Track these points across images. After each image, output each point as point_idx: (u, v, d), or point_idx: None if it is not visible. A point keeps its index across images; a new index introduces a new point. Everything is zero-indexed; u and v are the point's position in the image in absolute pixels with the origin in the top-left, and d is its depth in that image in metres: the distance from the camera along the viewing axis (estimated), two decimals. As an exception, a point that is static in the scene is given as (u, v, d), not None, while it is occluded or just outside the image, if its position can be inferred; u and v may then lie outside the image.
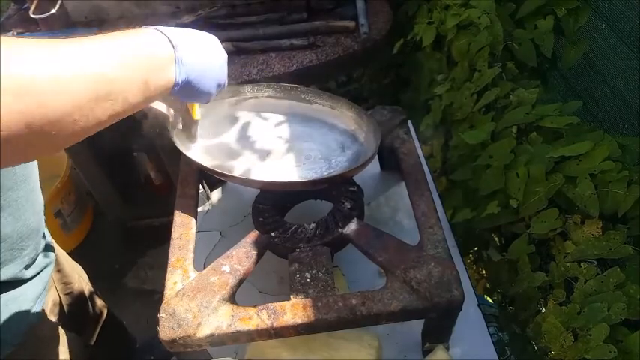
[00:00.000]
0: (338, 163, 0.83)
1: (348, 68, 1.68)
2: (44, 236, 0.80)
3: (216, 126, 0.89)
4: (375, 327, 0.65)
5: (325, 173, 0.81)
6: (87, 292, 1.04)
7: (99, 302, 1.11)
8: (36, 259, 0.74)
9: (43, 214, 0.78)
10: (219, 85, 0.65)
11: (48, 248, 0.81)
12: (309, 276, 0.66)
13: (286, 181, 0.80)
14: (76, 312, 0.97)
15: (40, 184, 0.75)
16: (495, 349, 0.73)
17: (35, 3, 1.31)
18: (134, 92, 0.47)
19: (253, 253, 0.69)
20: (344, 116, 0.89)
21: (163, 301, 0.64)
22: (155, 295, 1.77)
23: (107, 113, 0.44)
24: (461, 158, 1.03)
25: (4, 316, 0.68)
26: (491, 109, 0.97)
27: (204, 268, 0.68)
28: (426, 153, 1.29)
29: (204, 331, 0.60)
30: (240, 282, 0.67)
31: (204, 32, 0.63)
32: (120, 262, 1.89)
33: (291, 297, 0.63)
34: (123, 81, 0.45)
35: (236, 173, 0.79)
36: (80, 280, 1.02)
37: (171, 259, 0.70)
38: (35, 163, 0.70)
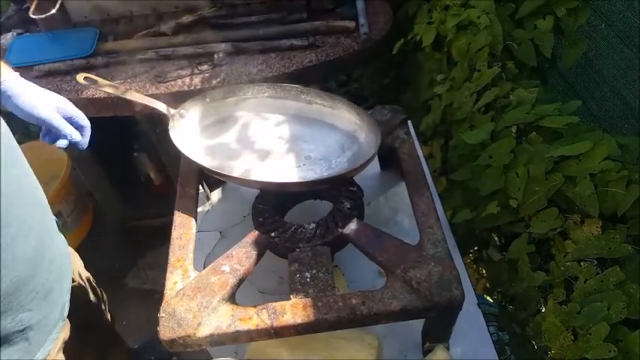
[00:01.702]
0: (338, 164, 0.83)
1: (348, 68, 1.68)
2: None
3: (217, 126, 0.89)
4: (375, 327, 0.65)
5: (325, 173, 0.81)
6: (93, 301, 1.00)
7: (99, 311, 1.08)
8: (45, 328, 0.67)
9: (46, 261, 0.68)
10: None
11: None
12: (309, 276, 0.66)
13: (286, 181, 0.80)
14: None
15: (40, 185, 0.74)
16: (495, 348, 0.73)
17: (35, 3, 1.31)
18: None
19: (253, 253, 0.69)
20: (344, 116, 0.89)
21: (163, 301, 0.64)
22: (155, 295, 1.77)
23: None
24: (461, 158, 1.03)
25: None
26: (491, 109, 0.96)
27: (204, 268, 0.68)
28: (426, 153, 1.29)
29: (204, 331, 0.61)
30: (240, 282, 0.67)
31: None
32: (120, 262, 1.89)
33: (291, 297, 0.63)
34: None
35: (236, 173, 0.79)
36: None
37: (171, 259, 0.70)
38: (28, 204, 0.65)
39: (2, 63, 0.71)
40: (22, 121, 0.73)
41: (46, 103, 0.74)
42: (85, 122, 0.80)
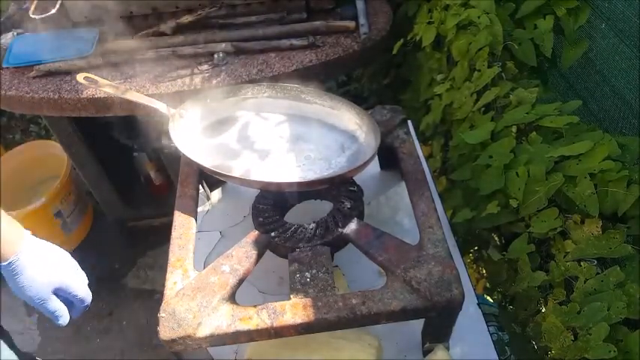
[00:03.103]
0: (338, 164, 0.83)
1: (348, 68, 1.68)
2: None
3: (217, 126, 0.89)
4: (375, 327, 0.65)
5: (325, 173, 0.81)
6: None
7: None
8: None
9: None
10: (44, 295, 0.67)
11: None
12: (309, 276, 0.66)
13: (286, 181, 0.80)
14: None
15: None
16: (495, 348, 0.73)
17: (35, 3, 1.31)
18: None
19: (253, 253, 0.69)
20: (344, 116, 0.89)
21: (163, 301, 0.64)
22: (155, 295, 1.77)
23: None
24: (461, 158, 1.03)
25: None
26: (491, 109, 0.97)
27: (204, 268, 0.68)
28: (425, 153, 1.28)
29: (204, 331, 0.61)
30: (240, 282, 0.67)
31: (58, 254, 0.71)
32: (120, 262, 1.90)
33: (291, 297, 0.63)
34: None
35: (236, 173, 0.79)
36: None
37: (171, 259, 0.70)
38: None
39: (16, 230, 0.65)
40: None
41: (46, 280, 0.67)
42: (85, 300, 0.73)
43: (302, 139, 0.87)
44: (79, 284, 0.72)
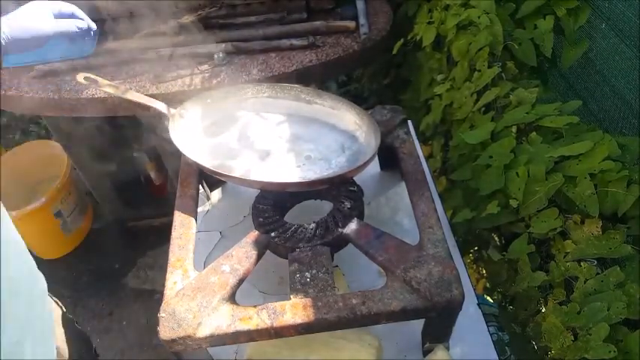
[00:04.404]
0: (338, 164, 0.83)
1: (348, 68, 1.68)
2: None
3: (217, 126, 0.89)
4: (375, 327, 0.65)
5: (325, 173, 0.81)
6: None
7: None
8: None
9: None
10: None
11: None
12: (309, 276, 0.66)
13: (286, 181, 0.80)
14: None
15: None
16: (495, 348, 0.73)
17: (35, 3, 1.31)
18: None
19: (253, 253, 0.69)
20: (344, 116, 0.89)
21: (163, 301, 0.64)
22: (155, 295, 1.77)
23: None
24: (461, 158, 1.03)
25: None
26: (491, 109, 0.97)
27: (204, 268, 0.68)
28: (425, 153, 1.29)
29: (204, 331, 0.61)
30: (240, 282, 0.67)
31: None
32: (120, 262, 1.89)
33: (291, 297, 0.63)
34: None
35: (236, 173, 0.79)
36: None
37: (171, 259, 0.70)
38: None
39: None
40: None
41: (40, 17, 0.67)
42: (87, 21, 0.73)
43: (302, 139, 0.87)
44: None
